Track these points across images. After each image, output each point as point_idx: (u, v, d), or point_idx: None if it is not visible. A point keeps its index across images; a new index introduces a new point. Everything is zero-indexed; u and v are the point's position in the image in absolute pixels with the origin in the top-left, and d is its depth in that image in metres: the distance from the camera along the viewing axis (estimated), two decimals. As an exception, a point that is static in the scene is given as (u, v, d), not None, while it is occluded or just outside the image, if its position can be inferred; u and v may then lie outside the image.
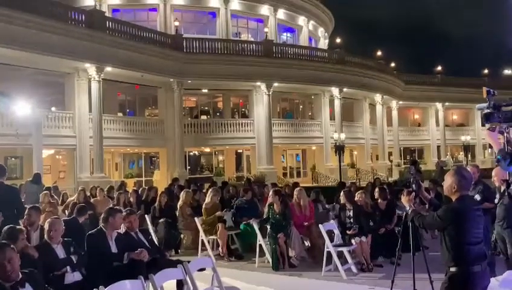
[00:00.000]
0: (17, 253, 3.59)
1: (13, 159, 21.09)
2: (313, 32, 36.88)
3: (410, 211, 4.18)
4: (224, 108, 29.45)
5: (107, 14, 23.49)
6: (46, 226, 5.13)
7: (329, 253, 7.43)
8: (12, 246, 3.54)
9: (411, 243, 4.86)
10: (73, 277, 4.93)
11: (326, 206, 10.64)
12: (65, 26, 18.60)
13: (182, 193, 10.24)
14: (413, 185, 4.35)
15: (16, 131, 16.31)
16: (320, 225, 7.72)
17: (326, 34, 39.60)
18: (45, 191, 11.66)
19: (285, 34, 34.48)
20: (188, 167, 25.84)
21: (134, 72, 21.48)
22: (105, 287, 4.01)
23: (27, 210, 6.74)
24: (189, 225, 9.68)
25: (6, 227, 4.97)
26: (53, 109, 20.83)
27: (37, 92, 18.01)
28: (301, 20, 34.50)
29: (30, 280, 3.52)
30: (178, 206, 9.94)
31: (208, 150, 28.66)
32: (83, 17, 20.01)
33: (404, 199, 4.27)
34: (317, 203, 10.03)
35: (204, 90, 27.37)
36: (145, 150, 26.02)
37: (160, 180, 22.92)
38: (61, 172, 22.88)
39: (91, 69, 19.88)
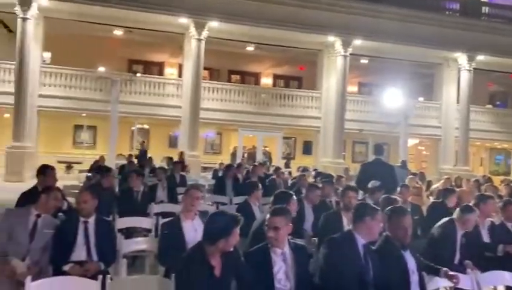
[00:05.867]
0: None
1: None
2: None
3: None
4: None
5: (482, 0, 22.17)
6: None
7: None
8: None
9: None
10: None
11: None
12: (439, 17, 18.73)
13: None
14: None
15: (390, 121, 17.69)
16: None
17: None
18: (411, 176, 12.22)
19: None
20: None
21: (509, 60, 19.53)
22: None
23: (399, 188, 7.27)
24: None
25: (384, 196, 5.51)
26: (420, 99, 21.43)
27: (407, 83, 18.97)
28: None
29: None
30: None
31: None
32: (457, 5, 19.63)
33: None
34: None
35: None
36: (515, 146, 23.41)
37: (533, 181, 20.11)
38: (423, 162, 23.35)
39: (462, 58, 19.38)
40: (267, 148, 20.74)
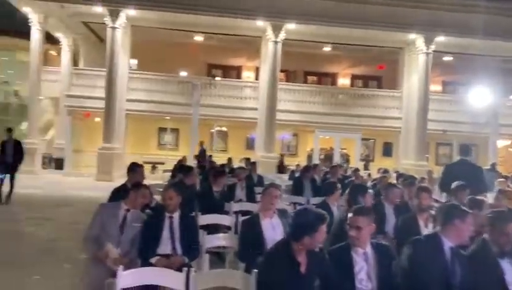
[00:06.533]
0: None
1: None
2: None
3: None
4: None
5: None
6: None
7: None
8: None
9: None
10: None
11: None
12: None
13: None
14: None
15: (477, 121, 16.67)
16: None
17: None
18: (501, 179, 11.40)
19: None
20: None
21: None
22: None
23: (496, 194, 6.80)
24: None
25: (469, 197, 5.19)
26: (511, 97, 19.95)
27: (496, 80, 17.73)
28: None
29: None
30: None
31: None
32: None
33: None
34: None
35: None
36: None
37: None
38: (516, 164, 21.68)
39: (560, 51, 17.78)
40: (345, 150, 20.38)
